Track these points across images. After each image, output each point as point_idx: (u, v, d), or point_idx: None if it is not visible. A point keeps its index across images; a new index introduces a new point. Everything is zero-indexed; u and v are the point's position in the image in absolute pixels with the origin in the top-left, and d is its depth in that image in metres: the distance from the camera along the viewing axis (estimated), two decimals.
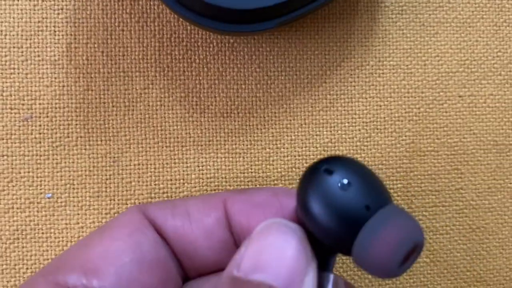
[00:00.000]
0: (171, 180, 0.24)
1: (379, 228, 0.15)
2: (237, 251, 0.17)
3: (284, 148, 0.25)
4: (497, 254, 0.25)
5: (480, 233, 0.25)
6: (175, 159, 0.24)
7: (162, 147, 0.24)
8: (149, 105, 0.24)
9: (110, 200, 0.24)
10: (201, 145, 0.24)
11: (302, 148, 0.25)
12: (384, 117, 0.25)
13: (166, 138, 0.24)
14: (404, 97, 0.25)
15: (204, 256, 0.19)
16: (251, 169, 0.24)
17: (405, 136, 0.25)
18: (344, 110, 0.25)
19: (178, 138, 0.24)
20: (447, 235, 0.25)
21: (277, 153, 0.25)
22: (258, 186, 0.24)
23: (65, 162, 0.24)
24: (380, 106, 0.25)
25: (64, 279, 0.17)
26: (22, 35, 0.24)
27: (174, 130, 0.24)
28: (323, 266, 0.17)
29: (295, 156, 0.25)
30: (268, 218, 0.18)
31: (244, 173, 0.24)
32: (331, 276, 0.17)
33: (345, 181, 0.16)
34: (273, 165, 0.25)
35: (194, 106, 0.24)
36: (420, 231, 0.16)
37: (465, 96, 0.25)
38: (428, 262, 0.25)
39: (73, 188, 0.24)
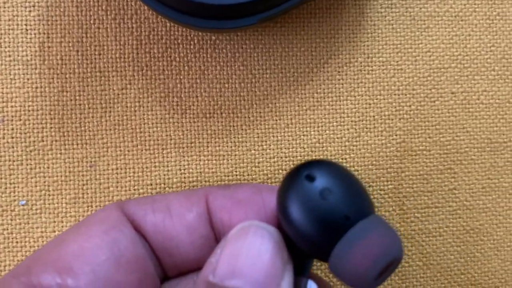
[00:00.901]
0: (151, 184, 0.23)
1: (357, 241, 0.15)
2: (212, 253, 0.17)
3: (270, 149, 0.24)
4: (492, 256, 0.25)
5: (474, 234, 0.25)
6: (155, 162, 0.23)
7: (142, 150, 0.23)
8: (127, 106, 0.23)
9: (88, 207, 0.23)
10: (183, 148, 0.23)
11: (288, 149, 0.24)
12: (374, 116, 0.24)
13: (145, 140, 0.23)
14: (395, 94, 0.24)
15: (185, 252, 0.19)
16: (236, 171, 0.24)
17: (396, 135, 0.24)
18: (332, 109, 0.24)
19: (158, 140, 0.23)
20: (440, 237, 0.24)
21: (262, 154, 0.24)
22: None
23: (39, 167, 0.23)
24: (370, 104, 0.24)
25: (38, 279, 0.17)
26: None
27: (154, 132, 0.23)
28: (300, 269, 0.17)
29: (281, 157, 0.24)
30: (250, 215, 0.18)
31: (228, 176, 0.24)
32: (309, 282, 0.17)
33: (326, 189, 0.16)
34: (258, 167, 0.24)
35: (174, 106, 0.23)
36: (399, 246, 0.16)
37: (458, 93, 0.24)
38: (421, 265, 0.24)
39: (49, 195, 0.23)
